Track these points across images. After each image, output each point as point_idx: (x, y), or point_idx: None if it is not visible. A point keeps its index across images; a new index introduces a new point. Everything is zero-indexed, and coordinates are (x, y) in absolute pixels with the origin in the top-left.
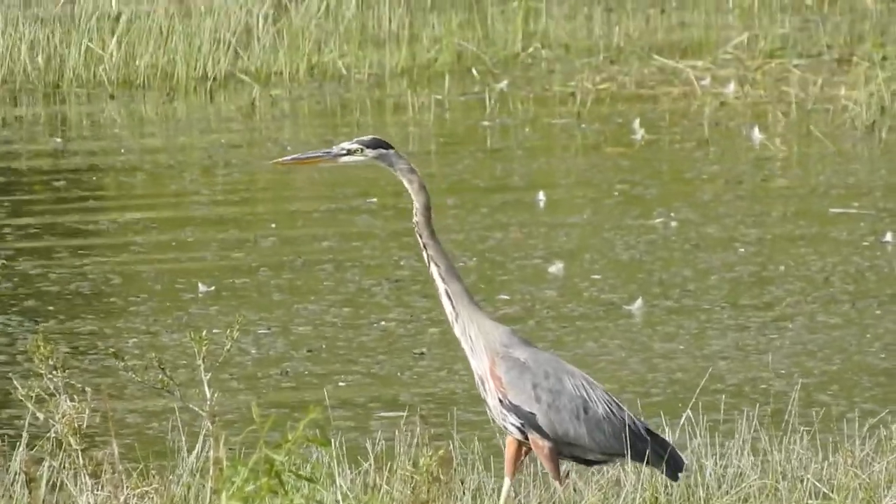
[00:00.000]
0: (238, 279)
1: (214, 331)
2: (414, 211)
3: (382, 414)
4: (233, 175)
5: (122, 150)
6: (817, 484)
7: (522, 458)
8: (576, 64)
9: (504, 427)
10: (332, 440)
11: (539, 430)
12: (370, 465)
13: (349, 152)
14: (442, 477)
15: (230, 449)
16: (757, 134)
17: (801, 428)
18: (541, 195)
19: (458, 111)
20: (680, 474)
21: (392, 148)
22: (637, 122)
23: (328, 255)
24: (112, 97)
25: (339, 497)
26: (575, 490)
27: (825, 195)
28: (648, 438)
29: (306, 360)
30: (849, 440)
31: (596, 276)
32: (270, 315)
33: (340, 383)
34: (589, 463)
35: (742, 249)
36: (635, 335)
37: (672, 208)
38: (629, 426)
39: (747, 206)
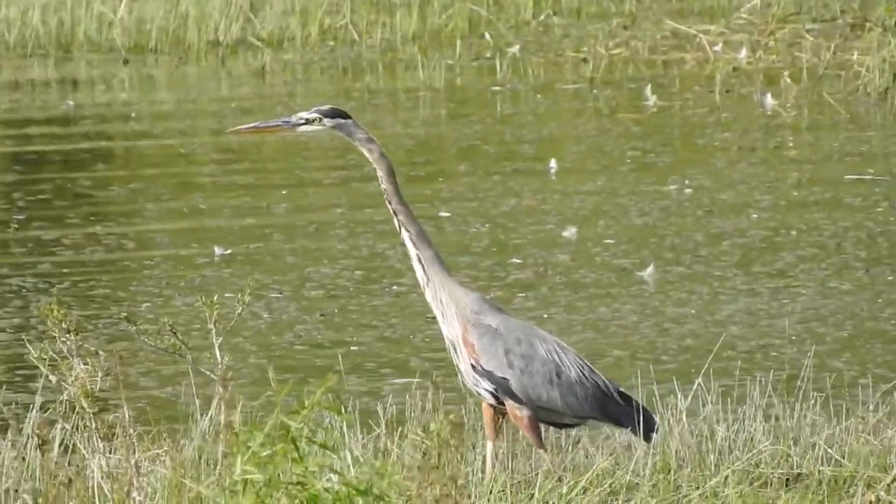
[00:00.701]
0: (252, 244)
1: (227, 295)
2: (379, 179)
3: (394, 380)
4: (243, 140)
5: (133, 115)
6: (829, 450)
7: (500, 420)
8: (588, 29)
9: (477, 392)
10: (345, 405)
11: (512, 395)
12: (382, 430)
13: (308, 122)
14: (453, 441)
15: (243, 413)
16: (769, 100)
17: (814, 394)
18: (553, 162)
19: (470, 76)
20: (652, 435)
21: (350, 118)
22: (649, 89)
23: (341, 220)
24: (124, 62)
25: (351, 462)
26: (587, 456)
27: (839, 161)
28: (621, 401)
29: (319, 323)
30: (861, 406)
31: (609, 242)
32: (283, 279)
33: (353, 347)
34: (562, 426)
35: (755, 215)
36: (647, 301)
37: (685, 174)
38: (602, 389)
39: (760, 172)
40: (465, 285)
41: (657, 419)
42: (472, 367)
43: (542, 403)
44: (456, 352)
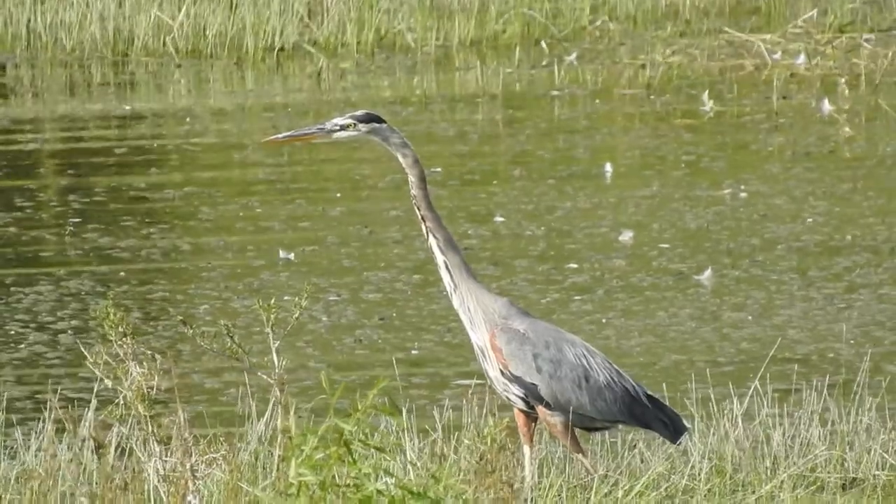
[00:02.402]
0: (308, 247)
1: (285, 298)
2: (410, 184)
3: (455, 383)
4: (297, 145)
5: (189, 119)
6: (885, 455)
7: (534, 425)
8: (644, 36)
9: (507, 398)
10: (402, 409)
11: (542, 400)
12: (438, 434)
13: (342, 128)
14: (509, 446)
15: (300, 416)
16: (826, 106)
17: (870, 398)
18: (608, 166)
19: (528, 82)
20: (681, 438)
21: (384, 122)
22: (706, 95)
23: (395, 225)
24: (179, 66)
25: (407, 466)
26: (642, 460)
27: (893, 167)
28: (649, 404)
29: (378, 327)
30: None
31: (664, 246)
32: (341, 282)
33: (413, 351)
34: (592, 430)
35: (810, 220)
36: (704, 305)
37: (740, 180)
38: (630, 392)
39: (815, 177)
40: (493, 291)
41: (689, 424)
42: (501, 372)
43: (572, 407)
44: (485, 357)
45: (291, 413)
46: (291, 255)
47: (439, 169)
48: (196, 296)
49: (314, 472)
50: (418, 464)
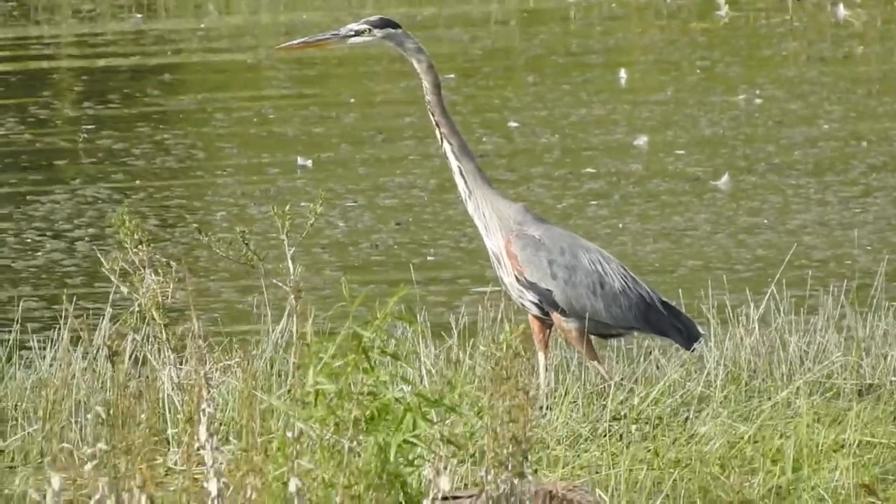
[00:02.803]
0: (322, 153)
1: (302, 204)
2: (424, 90)
3: (472, 290)
4: (308, 52)
5: (203, 26)
6: None
7: (548, 332)
8: None
9: (522, 304)
10: (418, 316)
11: (557, 306)
12: (454, 341)
13: (357, 33)
14: (524, 353)
15: (315, 324)
16: (841, 10)
17: (886, 303)
18: (622, 72)
19: None
20: (696, 345)
21: (400, 27)
22: None
23: (409, 131)
24: None
25: (423, 373)
26: (657, 367)
27: None
28: (664, 311)
29: (395, 232)
30: None
31: (680, 152)
32: (357, 188)
33: (429, 257)
34: (607, 337)
35: (825, 126)
36: (721, 210)
37: (755, 85)
38: (645, 299)
39: (830, 82)
40: (508, 196)
41: (705, 330)
42: (517, 278)
43: (587, 314)
44: (500, 264)
45: (309, 321)
46: (309, 162)
47: (452, 75)
48: (213, 202)
49: (332, 379)
50: (433, 370)
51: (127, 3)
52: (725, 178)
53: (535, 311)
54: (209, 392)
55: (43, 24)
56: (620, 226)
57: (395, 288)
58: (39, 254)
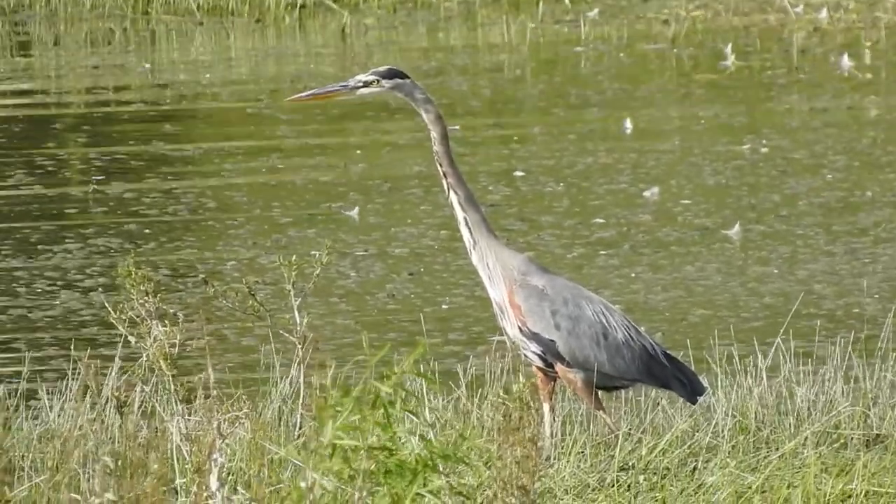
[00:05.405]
0: (332, 203)
1: (312, 253)
2: (432, 141)
3: (489, 338)
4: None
5: (209, 76)
6: None
7: (553, 383)
8: None
9: (525, 356)
10: (427, 365)
11: (560, 357)
12: (462, 391)
13: (366, 84)
14: (532, 403)
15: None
16: (846, 61)
17: (894, 354)
18: (627, 122)
19: (551, 37)
20: (699, 398)
21: (408, 78)
22: (729, 48)
23: (416, 180)
24: (201, 24)
25: (433, 424)
26: (665, 418)
27: None
28: (667, 363)
29: (408, 282)
30: None
31: (686, 201)
32: (368, 238)
33: (444, 306)
34: (611, 389)
35: (829, 176)
36: (730, 260)
37: (760, 134)
38: (648, 351)
39: (835, 132)
40: (512, 247)
41: (713, 380)
42: (520, 329)
43: (590, 365)
44: (503, 315)
45: (329, 372)
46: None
47: (457, 127)
48: (224, 252)
49: (349, 434)
50: (443, 421)
51: (134, 50)
52: (737, 227)
53: (539, 362)
54: (221, 443)
55: (51, 79)
56: (632, 275)
57: (413, 340)
58: (52, 303)
